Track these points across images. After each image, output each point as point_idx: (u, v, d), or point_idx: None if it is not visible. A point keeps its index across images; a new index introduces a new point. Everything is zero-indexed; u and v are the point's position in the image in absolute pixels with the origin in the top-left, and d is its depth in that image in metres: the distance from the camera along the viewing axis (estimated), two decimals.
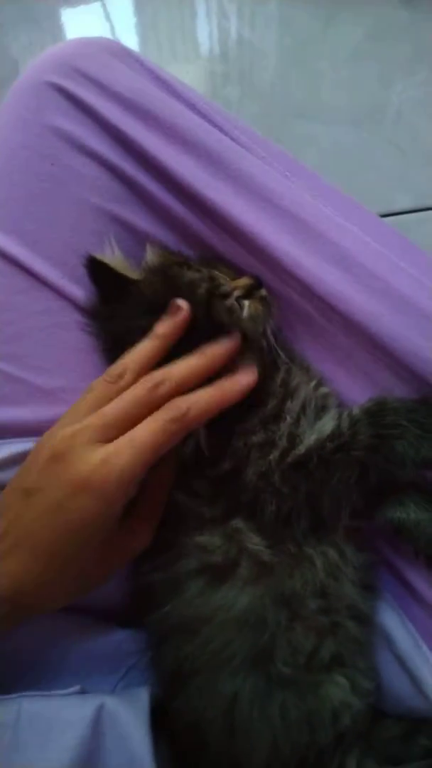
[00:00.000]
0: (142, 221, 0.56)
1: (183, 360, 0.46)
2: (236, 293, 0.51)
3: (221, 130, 0.57)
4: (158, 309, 0.48)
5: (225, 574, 0.49)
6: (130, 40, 0.99)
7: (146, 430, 0.42)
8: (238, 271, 0.56)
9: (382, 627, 0.55)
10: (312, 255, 0.50)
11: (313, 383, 0.54)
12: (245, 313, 0.50)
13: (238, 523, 0.50)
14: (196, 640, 0.49)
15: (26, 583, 0.42)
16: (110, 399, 0.44)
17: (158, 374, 0.45)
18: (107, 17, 0.99)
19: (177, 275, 0.50)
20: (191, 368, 0.46)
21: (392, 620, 0.55)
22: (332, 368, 0.55)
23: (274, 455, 0.49)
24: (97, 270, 0.52)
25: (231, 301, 0.49)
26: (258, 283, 0.53)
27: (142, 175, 0.55)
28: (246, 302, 0.51)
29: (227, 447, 0.50)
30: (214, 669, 0.49)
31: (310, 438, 0.49)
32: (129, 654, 0.53)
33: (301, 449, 0.49)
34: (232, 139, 0.57)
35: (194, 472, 0.51)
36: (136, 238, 0.56)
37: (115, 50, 0.61)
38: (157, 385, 0.44)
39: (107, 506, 0.42)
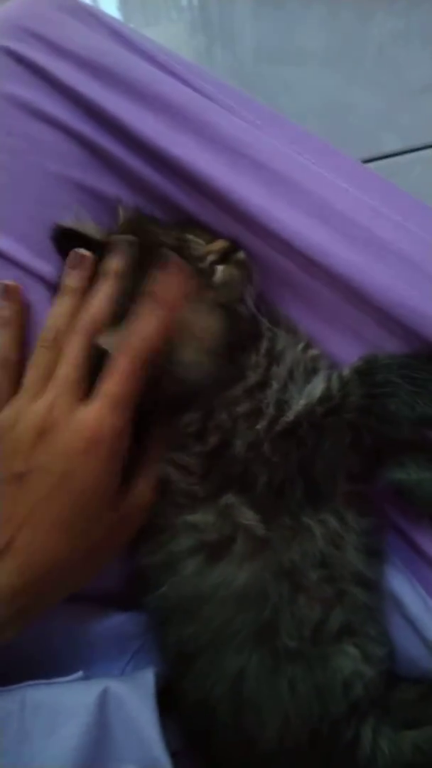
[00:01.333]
0: (108, 186, 0.53)
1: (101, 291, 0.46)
2: (210, 257, 0.48)
3: (183, 81, 0.54)
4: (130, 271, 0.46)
5: (221, 551, 0.48)
6: None
7: (114, 383, 0.43)
8: (214, 235, 0.52)
9: (392, 591, 0.53)
10: (288, 207, 0.47)
11: (300, 345, 0.51)
12: (218, 277, 0.47)
13: (230, 498, 0.48)
14: (196, 619, 0.48)
15: (38, 566, 0.42)
16: (56, 363, 0.45)
17: (85, 319, 0.45)
18: None
19: (147, 237, 0.48)
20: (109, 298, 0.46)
21: (401, 584, 0.53)
22: (320, 328, 0.52)
23: (262, 424, 0.46)
24: (65, 239, 0.49)
25: (203, 265, 0.46)
26: (234, 246, 0.50)
27: (102, 137, 0.52)
28: (220, 267, 0.48)
29: (211, 420, 0.47)
30: (218, 647, 0.48)
31: (298, 404, 0.46)
32: (133, 636, 0.52)
33: (290, 416, 0.46)
34: (196, 89, 0.53)
35: (185, 450, 0.49)
36: (103, 205, 0.53)
37: (66, 5, 0.57)
38: (89, 331, 0.44)
39: (110, 462, 0.43)
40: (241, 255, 0.50)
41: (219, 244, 0.50)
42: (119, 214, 0.52)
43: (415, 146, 0.73)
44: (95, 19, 0.57)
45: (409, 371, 0.45)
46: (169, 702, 0.49)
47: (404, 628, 0.53)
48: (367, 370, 0.46)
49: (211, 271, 0.48)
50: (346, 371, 0.47)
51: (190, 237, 0.49)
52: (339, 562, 0.49)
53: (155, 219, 0.52)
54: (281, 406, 0.47)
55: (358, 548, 0.50)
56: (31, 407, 0.43)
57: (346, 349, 0.51)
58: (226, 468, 0.48)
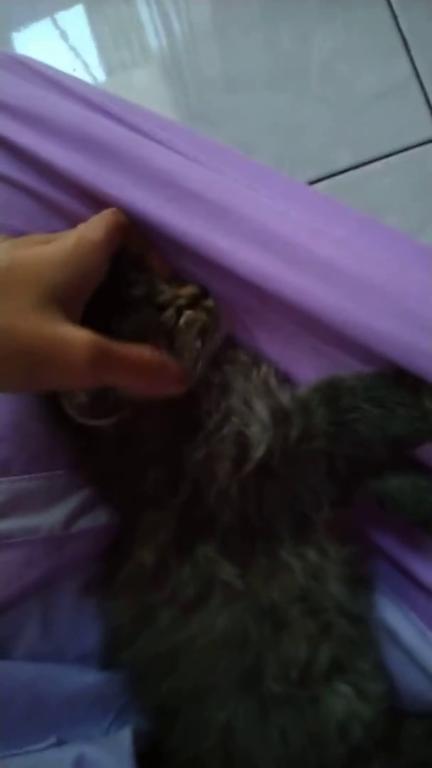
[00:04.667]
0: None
1: None
2: (179, 302, 0.47)
3: (118, 120, 0.53)
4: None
5: (198, 603, 0.46)
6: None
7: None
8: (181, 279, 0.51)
9: (384, 622, 0.51)
10: (227, 236, 0.45)
11: (254, 371, 0.49)
12: (183, 322, 0.46)
13: (205, 550, 0.46)
14: (175, 672, 0.45)
15: None
16: None
17: None
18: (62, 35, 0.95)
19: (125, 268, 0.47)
20: None
21: (393, 613, 0.51)
22: (279, 352, 0.50)
23: (226, 466, 0.44)
24: None
25: (170, 312, 0.46)
26: (204, 293, 0.49)
27: (36, 182, 0.51)
28: (188, 312, 0.47)
29: (178, 471, 0.46)
30: (201, 700, 0.45)
31: (258, 433, 0.44)
32: (115, 696, 0.49)
33: (260, 450, 0.44)
34: (131, 127, 0.53)
35: (160, 506, 0.47)
36: None
37: (1, 61, 0.58)
38: None
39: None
40: (210, 302, 0.49)
41: (189, 289, 0.49)
42: None
43: (368, 159, 0.73)
44: (28, 69, 0.57)
45: (375, 393, 0.43)
46: (156, 762, 0.46)
47: (401, 659, 0.50)
48: (331, 393, 0.44)
49: (177, 315, 0.47)
50: (302, 390, 0.46)
51: (159, 281, 0.49)
52: (320, 595, 0.46)
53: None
54: (241, 441, 0.45)
55: (340, 579, 0.47)
56: None
57: (307, 368, 0.50)
58: (200, 516, 0.46)
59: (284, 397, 0.45)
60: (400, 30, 0.76)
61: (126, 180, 0.48)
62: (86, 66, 0.91)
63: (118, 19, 0.87)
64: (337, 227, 0.46)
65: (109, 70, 0.88)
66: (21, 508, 0.47)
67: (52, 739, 0.43)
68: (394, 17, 0.76)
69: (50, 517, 0.48)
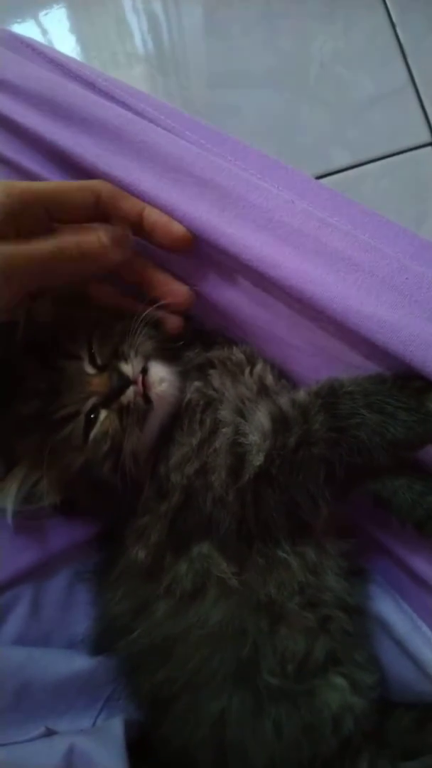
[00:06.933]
0: None
1: None
2: (91, 401, 0.43)
3: (124, 105, 0.53)
4: None
5: (194, 596, 0.45)
6: None
7: None
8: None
9: (377, 612, 0.51)
10: (234, 221, 0.45)
11: (247, 369, 0.49)
12: (90, 437, 0.43)
13: (201, 548, 0.45)
14: (170, 662, 0.45)
15: None
16: None
17: None
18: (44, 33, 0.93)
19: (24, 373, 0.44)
20: None
21: (386, 604, 0.51)
22: (279, 344, 0.50)
23: (221, 476, 0.44)
24: None
25: (74, 426, 0.43)
26: (119, 387, 0.43)
27: (41, 166, 0.50)
28: (102, 413, 0.43)
29: (167, 482, 0.45)
30: (195, 690, 0.44)
31: (256, 442, 0.43)
32: (104, 684, 0.49)
33: (259, 458, 0.43)
34: (137, 113, 0.52)
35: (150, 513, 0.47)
36: None
37: (3, 39, 0.57)
38: None
39: None
40: (126, 397, 0.43)
41: (103, 383, 0.43)
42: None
43: (364, 160, 0.74)
44: (32, 50, 0.57)
45: (374, 399, 0.42)
46: (145, 751, 0.45)
47: (393, 649, 0.51)
48: (330, 398, 0.43)
49: (87, 424, 0.43)
50: (302, 394, 0.44)
51: (71, 368, 0.44)
52: (318, 588, 0.46)
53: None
54: (237, 451, 0.43)
55: (338, 573, 0.47)
56: None
57: (307, 365, 0.50)
58: (196, 520, 0.45)
59: (284, 401, 0.44)
60: (397, 37, 0.78)
61: (132, 162, 0.47)
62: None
63: (106, 18, 0.86)
64: (344, 219, 0.46)
65: (104, 67, 0.87)
66: None
67: (41, 729, 0.42)
68: (392, 24, 0.78)
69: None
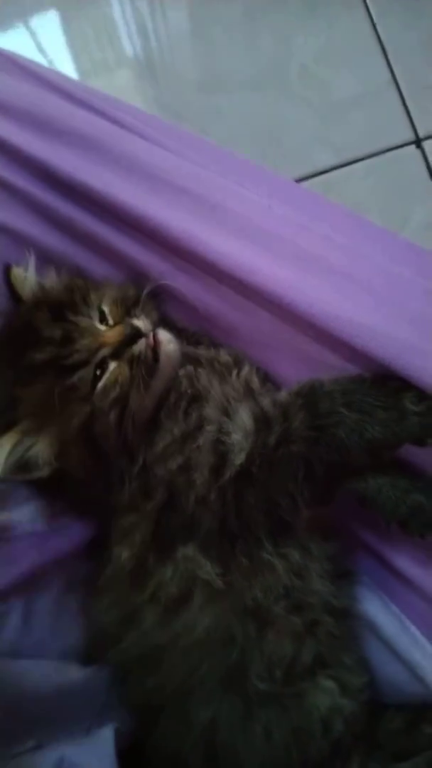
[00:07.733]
0: (31, 226, 0.52)
1: None
2: (103, 352, 0.45)
3: (103, 115, 0.53)
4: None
5: (180, 603, 0.45)
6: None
7: None
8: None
9: (365, 614, 0.51)
10: (211, 229, 0.45)
11: (234, 372, 0.49)
12: (99, 387, 0.45)
13: (186, 550, 0.45)
14: (160, 670, 0.45)
15: None
16: None
17: None
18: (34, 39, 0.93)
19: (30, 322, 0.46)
20: None
21: (374, 605, 0.51)
22: (261, 349, 0.51)
23: (203, 474, 0.44)
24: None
25: (85, 372, 0.45)
26: (132, 336, 0.45)
27: (18, 176, 0.51)
28: (112, 364, 0.45)
29: (152, 477, 0.46)
30: (185, 697, 0.45)
31: (239, 441, 0.43)
32: (96, 693, 0.49)
33: (241, 457, 0.43)
34: (115, 122, 0.53)
35: (136, 511, 0.47)
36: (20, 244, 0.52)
37: None
38: None
39: None
40: (137, 348, 0.45)
41: (116, 332, 0.46)
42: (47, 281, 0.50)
43: (348, 160, 0.74)
44: (12, 63, 0.57)
45: (353, 398, 0.42)
46: (137, 759, 0.46)
47: (382, 651, 0.51)
48: (310, 397, 0.43)
49: (96, 372, 0.45)
50: (283, 394, 0.45)
51: (83, 323, 0.46)
52: (304, 592, 0.46)
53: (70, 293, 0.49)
54: (219, 449, 0.44)
55: (323, 575, 0.47)
56: None
57: (289, 368, 0.50)
58: (179, 520, 0.45)
59: (266, 402, 0.44)
60: (378, 35, 0.78)
61: (109, 172, 0.48)
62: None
63: (94, 22, 0.86)
64: (323, 223, 0.47)
65: (84, 74, 0.87)
66: None
67: (32, 743, 0.42)
68: (373, 23, 0.78)
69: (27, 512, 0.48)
